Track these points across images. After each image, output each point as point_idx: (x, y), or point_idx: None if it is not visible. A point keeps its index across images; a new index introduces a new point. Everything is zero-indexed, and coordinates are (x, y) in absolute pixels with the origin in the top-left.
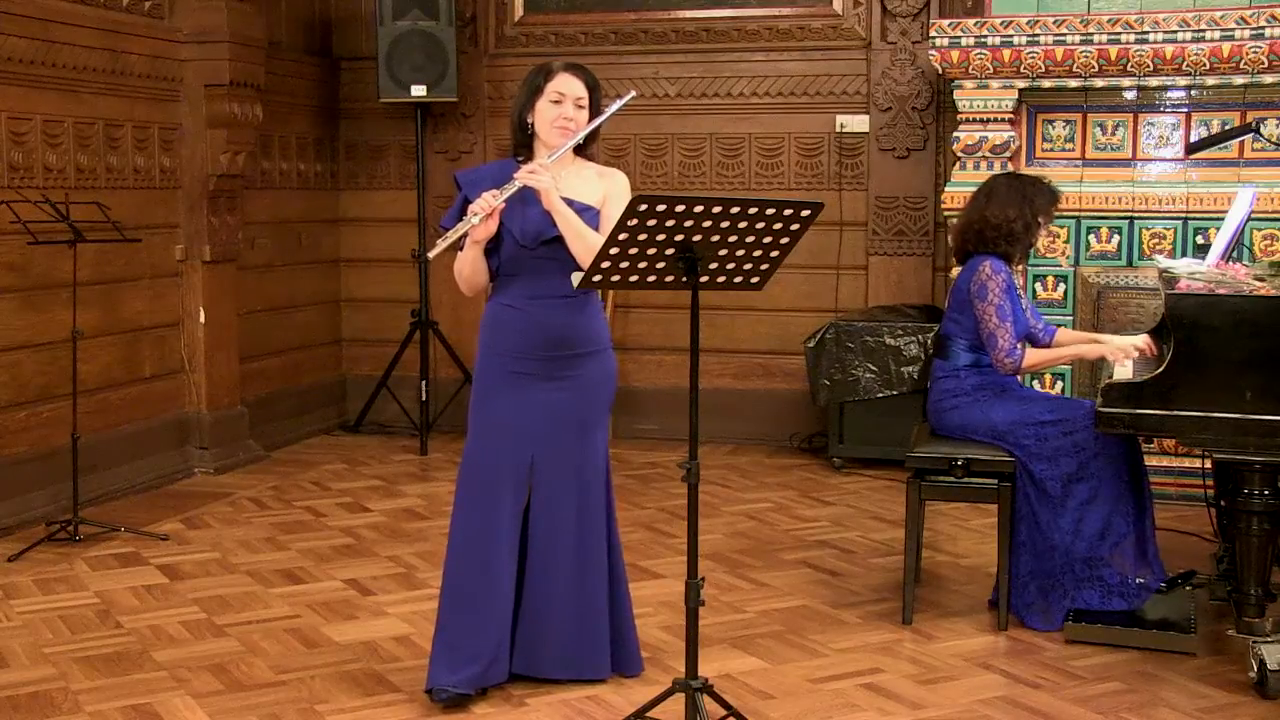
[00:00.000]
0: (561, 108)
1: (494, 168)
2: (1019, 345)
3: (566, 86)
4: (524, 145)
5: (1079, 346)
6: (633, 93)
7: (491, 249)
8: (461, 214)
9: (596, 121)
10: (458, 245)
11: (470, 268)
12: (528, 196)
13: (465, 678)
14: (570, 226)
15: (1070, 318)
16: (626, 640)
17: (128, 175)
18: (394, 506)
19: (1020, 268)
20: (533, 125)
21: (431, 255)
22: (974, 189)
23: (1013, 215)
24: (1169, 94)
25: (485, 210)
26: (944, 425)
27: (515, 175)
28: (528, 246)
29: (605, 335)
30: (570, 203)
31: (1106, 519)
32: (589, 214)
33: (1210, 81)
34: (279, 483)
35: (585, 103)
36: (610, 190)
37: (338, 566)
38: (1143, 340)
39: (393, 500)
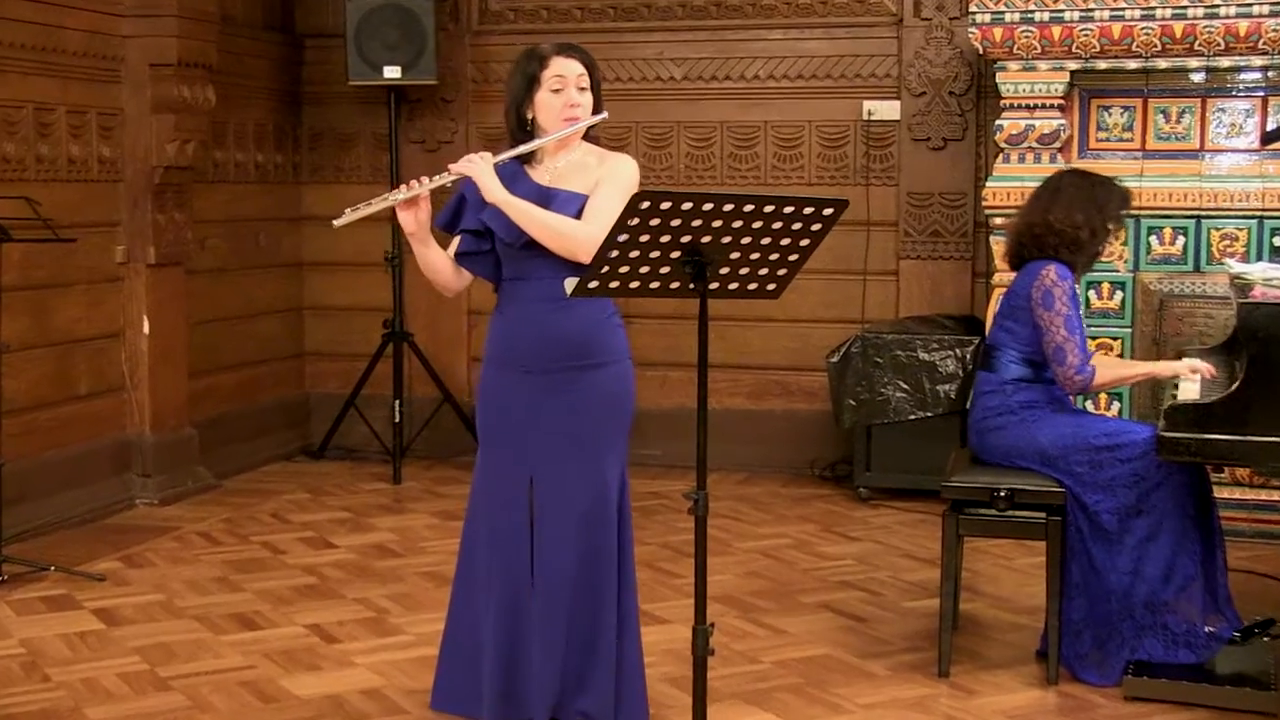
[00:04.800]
0: (565, 94)
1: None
2: (1089, 360)
3: (565, 69)
4: (521, 141)
5: (1154, 366)
6: (604, 114)
7: (488, 251)
8: (456, 212)
9: (560, 133)
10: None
11: (422, 263)
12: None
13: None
14: (526, 216)
15: (1129, 330)
16: (631, 690)
17: (61, 166)
18: (363, 542)
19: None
20: (534, 119)
21: (336, 224)
22: (1018, 184)
23: (1079, 220)
24: (1242, 75)
25: (404, 194)
26: (986, 447)
27: (449, 165)
28: (514, 245)
29: (620, 346)
30: (556, 194)
31: (1170, 559)
32: (575, 201)
33: None
34: (232, 515)
35: (586, 82)
36: (604, 173)
37: (299, 610)
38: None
39: (362, 535)
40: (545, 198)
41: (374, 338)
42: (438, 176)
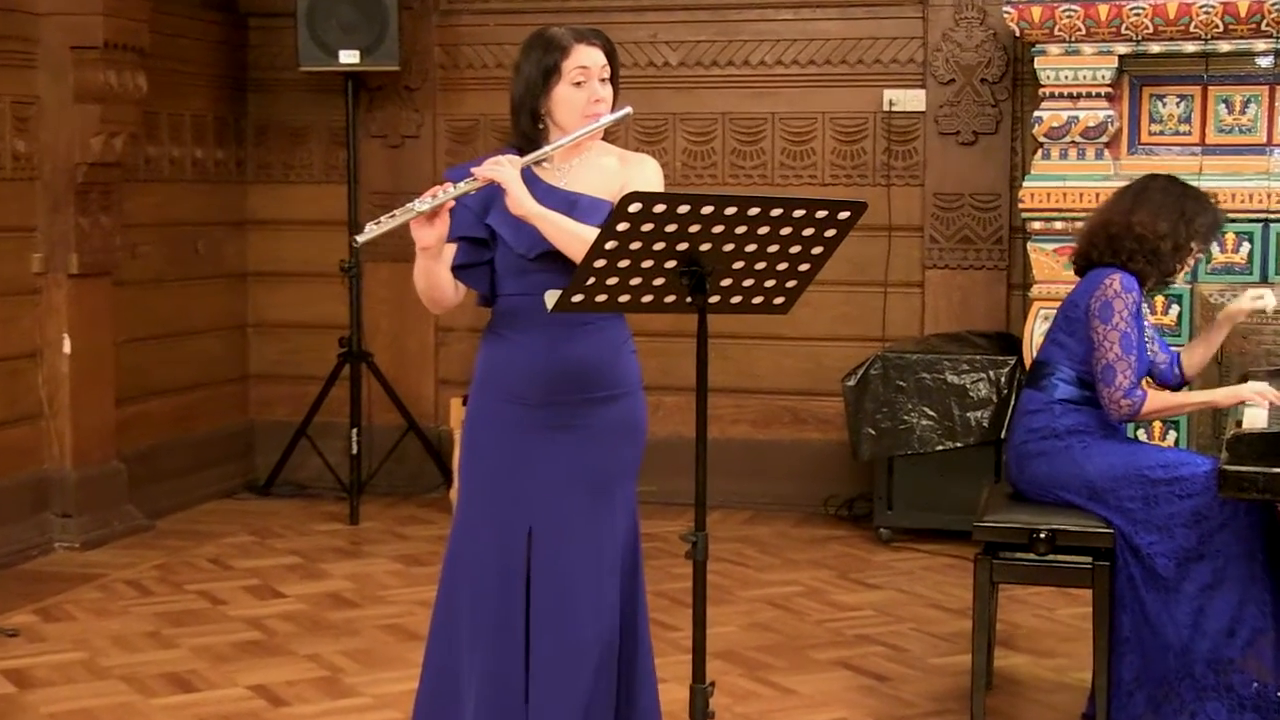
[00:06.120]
0: (587, 88)
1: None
2: (1141, 386)
3: (589, 59)
4: (533, 140)
5: (1212, 393)
6: (629, 109)
7: (484, 262)
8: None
9: (582, 132)
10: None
11: (424, 280)
12: None
13: None
14: (556, 228)
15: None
16: None
17: None
18: (315, 591)
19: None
20: (549, 116)
21: (360, 240)
22: (1059, 184)
23: (1164, 230)
24: None
25: (430, 203)
26: (1026, 476)
27: (474, 169)
28: (527, 257)
29: (634, 375)
30: (579, 198)
31: (1235, 610)
32: (600, 208)
33: None
34: (166, 560)
35: (608, 73)
36: (631, 177)
37: (242, 669)
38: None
39: (314, 583)
40: (569, 204)
41: (328, 358)
42: (463, 183)
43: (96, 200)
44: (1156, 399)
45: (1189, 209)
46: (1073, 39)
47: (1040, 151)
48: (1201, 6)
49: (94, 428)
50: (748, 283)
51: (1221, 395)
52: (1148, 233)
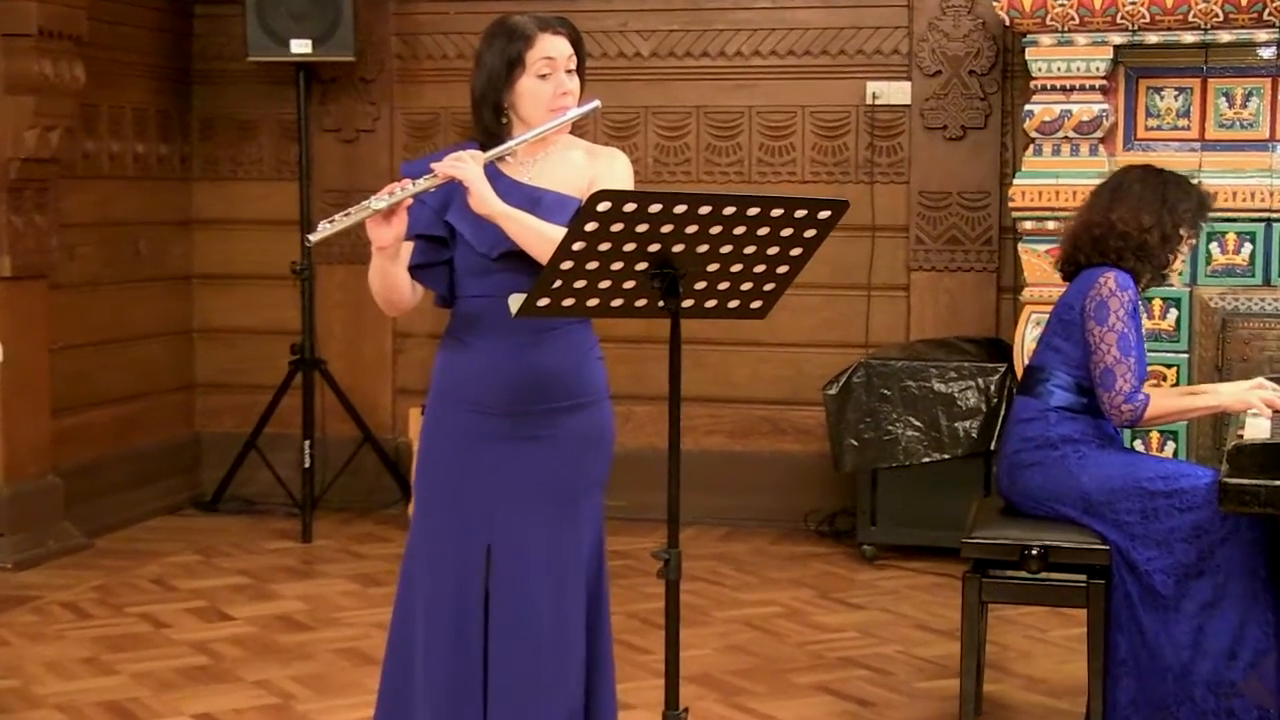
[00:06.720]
0: (554, 80)
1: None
2: (1142, 389)
3: (555, 50)
4: (495, 135)
5: (1220, 396)
6: (597, 102)
7: (443, 262)
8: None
9: (549, 125)
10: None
11: (380, 281)
12: None
13: None
14: (520, 227)
15: (1185, 355)
16: None
17: None
18: (265, 613)
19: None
20: (513, 110)
21: (313, 240)
22: (1052, 181)
23: (1147, 223)
24: None
25: (386, 201)
26: (1019, 487)
27: (434, 165)
28: (489, 257)
29: (601, 383)
30: (544, 195)
31: (1237, 630)
32: (566, 205)
33: None
34: (105, 581)
35: (575, 63)
36: (600, 172)
37: (186, 696)
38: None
39: (263, 604)
40: (532, 201)
41: (279, 365)
42: (422, 180)
43: (31, 198)
44: (1160, 404)
45: (1170, 196)
46: (1065, 29)
47: (1031, 147)
48: None
49: (28, 440)
50: (723, 286)
51: (1229, 399)
52: (1131, 229)
